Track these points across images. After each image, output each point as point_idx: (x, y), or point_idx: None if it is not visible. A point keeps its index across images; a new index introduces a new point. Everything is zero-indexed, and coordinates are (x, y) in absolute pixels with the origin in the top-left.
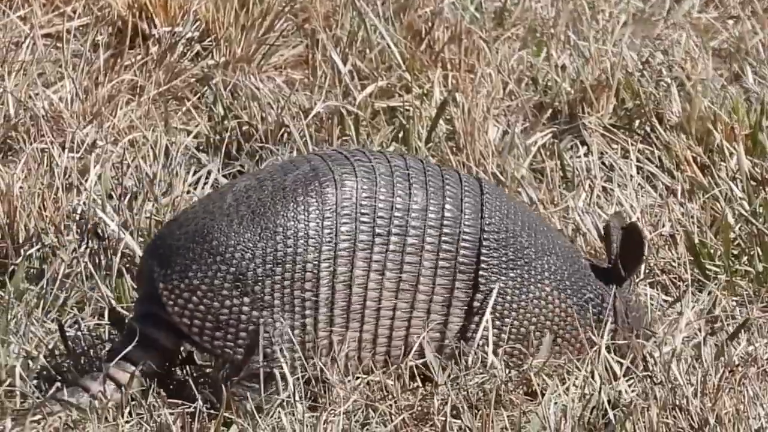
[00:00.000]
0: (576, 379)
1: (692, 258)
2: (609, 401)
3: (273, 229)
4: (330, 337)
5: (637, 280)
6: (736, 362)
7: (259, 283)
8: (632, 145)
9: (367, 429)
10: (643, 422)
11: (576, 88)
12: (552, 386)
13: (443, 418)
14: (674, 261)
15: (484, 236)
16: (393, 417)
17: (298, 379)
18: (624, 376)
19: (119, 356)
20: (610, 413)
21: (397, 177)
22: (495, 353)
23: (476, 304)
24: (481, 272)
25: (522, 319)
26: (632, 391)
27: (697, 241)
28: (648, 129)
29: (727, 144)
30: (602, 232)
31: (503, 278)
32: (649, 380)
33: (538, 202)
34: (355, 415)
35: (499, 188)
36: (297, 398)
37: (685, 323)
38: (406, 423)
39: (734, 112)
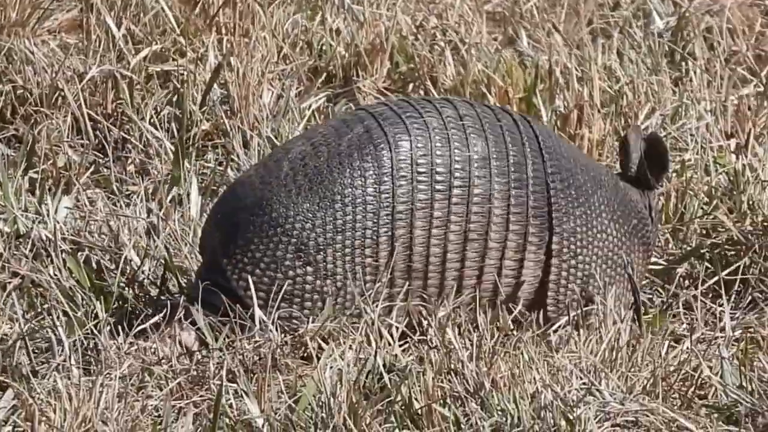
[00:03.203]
0: (352, 343)
1: None
2: (384, 365)
3: (331, 198)
4: (390, 296)
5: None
6: (511, 326)
7: (321, 252)
8: None
9: (143, 393)
10: (419, 386)
11: (350, 52)
12: (328, 350)
13: (219, 382)
14: None
15: (550, 178)
16: (169, 381)
17: (74, 342)
18: (400, 340)
19: (182, 318)
20: (386, 377)
21: (452, 129)
22: (573, 294)
23: (555, 247)
24: (553, 214)
25: (591, 255)
26: (408, 356)
27: None
28: (422, 92)
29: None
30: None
31: (572, 218)
32: (424, 344)
33: None
34: (130, 379)
35: (546, 126)
36: (72, 362)
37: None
38: (181, 387)
39: (508, 76)
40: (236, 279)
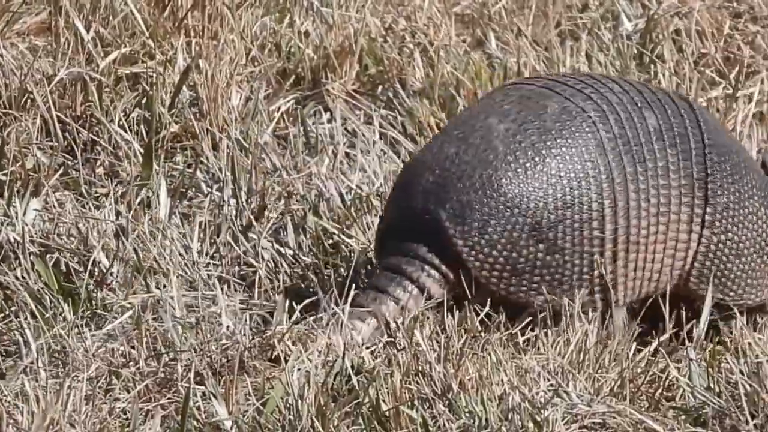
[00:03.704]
0: (319, 345)
1: None
2: (353, 367)
3: (558, 174)
4: (615, 271)
5: None
6: (479, 328)
7: (552, 229)
8: (375, 110)
9: (111, 395)
10: (387, 388)
11: (319, 54)
12: (296, 352)
13: (187, 385)
14: None
15: (707, 150)
16: (136, 383)
17: (42, 345)
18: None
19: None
20: (354, 379)
21: (628, 103)
22: (717, 270)
23: (708, 218)
24: (710, 185)
25: (741, 235)
26: (376, 358)
27: None
28: (391, 95)
29: None
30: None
31: (726, 192)
32: (392, 346)
33: (281, 168)
34: (98, 382)
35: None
36: (40, 364)
37: None
38: (149, 389)
39: (477, 78)
40: (473, 260)
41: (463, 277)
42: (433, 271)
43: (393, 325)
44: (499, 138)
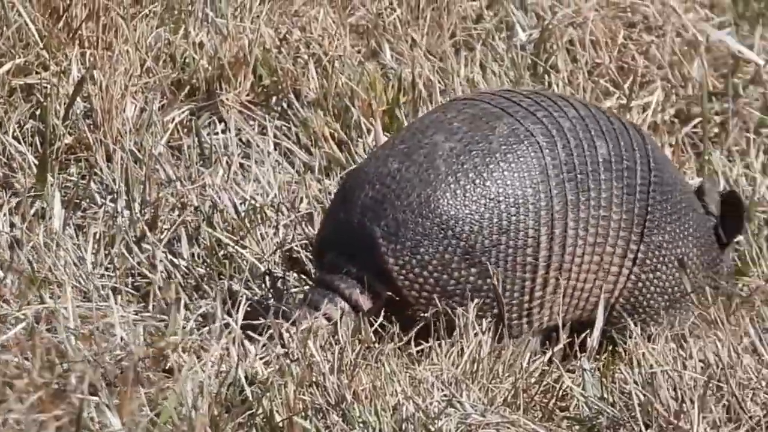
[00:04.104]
0: (213, 355)
1: None
2: (246, 378)
3: (496, 199)
4: (543, 296)
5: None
6: (373, 339)
7: (486, 254)
8: (270, 121)
9: (4, 407)
10: (280, 399)
11: (214, 65)
12: (189, 363)
13: (80, 396)
14: (311, 239)
15: (652, 188)
16: (30, 394)
17: None
18: (262, 352)
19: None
20: (247, 390)
21: (581, 130)
22: (640, 308)
23: (640, 256)
24: (647, 223)
25: (669, 275)
26: (269, 368)
27: None
28: (285, 105)
29: (365, 120)
30: None
31: (662, 232)
32: (286, 357)
33: (175, 179)
34: None
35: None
36: None
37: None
38: (42, 400)
39: (372, 88)
40: (402, 279)
41: (394, 296)
42: (365, 288)
43: (286, 335)
44: (442, 157)
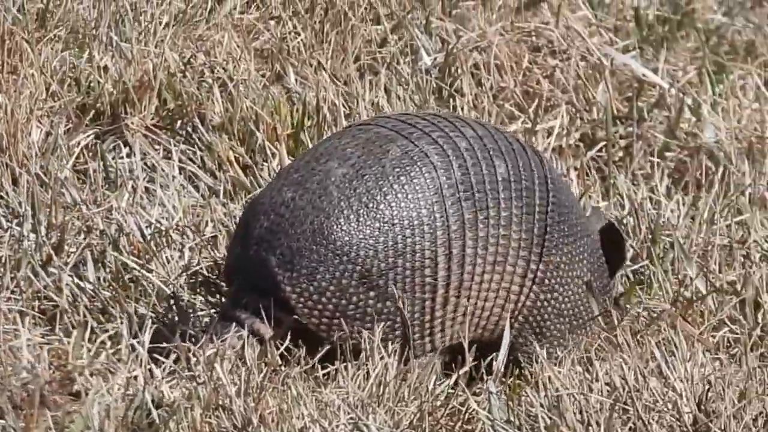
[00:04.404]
0: (119, 378)
1: None
2: (153, 401)
3: (390, 222)
4: (444, 315)
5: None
6: (279, 362)
7: (383, 277)
8: (174, 145)
9: None
10: (187, 422)
11: (118, 89)
12: (96, 386)
13: None
14: (216, 261)
15: (550, 208)
16: None
17: None
18: (168, 375)
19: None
20: (154, 413)
21: (478, 149)
22: (536, 327)
23: (540, 275)
24: (546, 243)
25: (565, 296)
26: (176, 392)
27: None
28: (190, 129)
29: (270, 144)
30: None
31: (560, 252)
32: (192, 380)
33: (81, 203)
34: None
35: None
36: None
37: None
38: None
39: (276, 112)
40: (301, 307)
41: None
42: (266, 318)
43: (193, 358)
44: (335, 183)
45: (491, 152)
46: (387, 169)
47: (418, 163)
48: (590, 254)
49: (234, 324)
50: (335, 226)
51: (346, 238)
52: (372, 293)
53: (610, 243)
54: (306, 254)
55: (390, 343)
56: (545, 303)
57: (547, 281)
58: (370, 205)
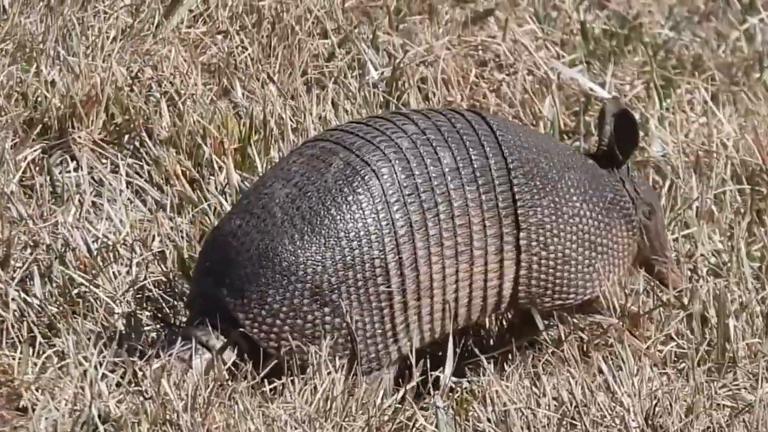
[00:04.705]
0: (66, 394)
1: (182, 273)
2: (100, 416)
3: (336, 236)
4: (407, 319)
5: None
6: (226, 376)
7: (335, 291)
8: (122, 159)
9: None
10: None
11: (66, 103)
12: (43, 401)
13: None
14: (165, 276)
15: (512, 174)
16: None
17: None
18: (115, 390)
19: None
20: (101, 428)
21: (421, 145)
22: (546, 283)
23: (523, 242)
24: (519, 210)
25: (564, 242)
26: (123, 407)
27: (186, 255)
28: (137, 144)
29: (217, 158)
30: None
31: (539, 209)
32: (139, 395)
33: (27, 218)
34: None
35: (502, 117)
36: None
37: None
38: None
39: (224, 126)
40: (257, 332)
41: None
42: (225, 344)
43: (140, 373)
44: (278, 204)
45: (434, 144)
46: (329, 183)
47: (360, 173)
48: (580, 184)
49: (198, 346)
50: (280, 247)
51: (292, 258)
52: (326, 309)
53: (622, 128)
54: (254, 279)
55: (346, 357)
56: (543, 261)
57: (534, 243)
58: (314, 221)
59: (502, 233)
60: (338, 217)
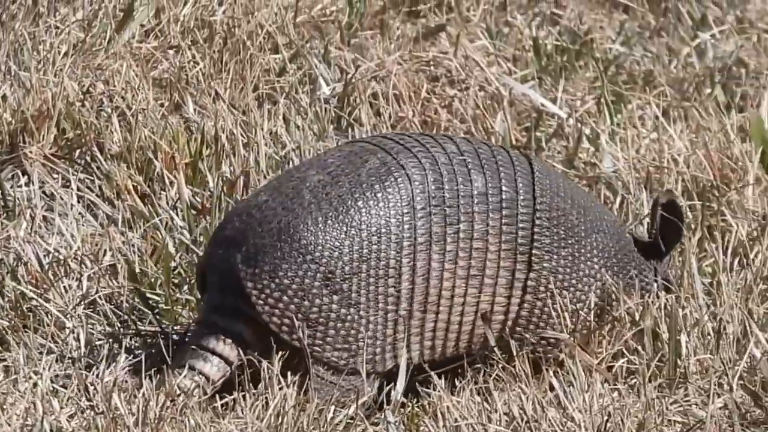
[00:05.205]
0: (18, 409)
1: (133, 287)
2: (51, 431)
3: (358, 227)
4: (409, 330)
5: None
6: (178, 392)
7: (347, 281)
8: (73, 174)
9: None
10: None
11: (17, 118)
12: None
13: None
14: (117, 290)
15: (537, 215)
16: None
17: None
18: (66, 405)
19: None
20: None
21: (456, 164)
22: (541, 331)
23: (531, 283)
24: (534, 251)
25: (572, 298)
26: (74, 421)
27: (138, 270)
28: (89, 158)
29: (168, 173)
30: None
31: (555, 257)
32: (90, 410)
33: None
34: None
35: (548, 166)
36: None
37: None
38: None
39: (175, 141)
40: (261, 304)
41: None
42: (230, 336)
43: (91, 388)
44: (309, 188)
45: (470, 167)
46: (362, 177)
47: (394, 174)
48: (603, 250)
49: (206, 353)
50: (301, 225)
51: (312, 238)
52: (335, 297)
53: (668, 220)
54: (269, 251)
55: (342, 351)
56: (546, 309)
57: (543, 288)
58: (340, 208)
59: (514, 269)
60: (364, 210)
